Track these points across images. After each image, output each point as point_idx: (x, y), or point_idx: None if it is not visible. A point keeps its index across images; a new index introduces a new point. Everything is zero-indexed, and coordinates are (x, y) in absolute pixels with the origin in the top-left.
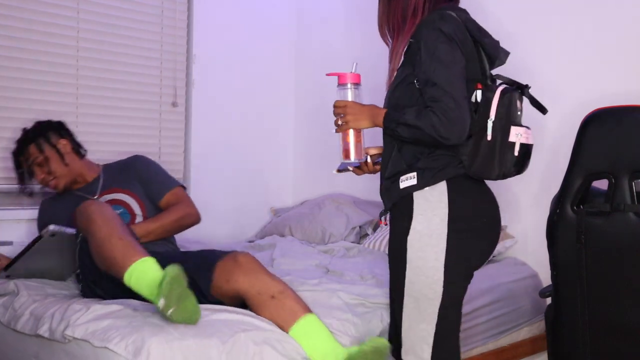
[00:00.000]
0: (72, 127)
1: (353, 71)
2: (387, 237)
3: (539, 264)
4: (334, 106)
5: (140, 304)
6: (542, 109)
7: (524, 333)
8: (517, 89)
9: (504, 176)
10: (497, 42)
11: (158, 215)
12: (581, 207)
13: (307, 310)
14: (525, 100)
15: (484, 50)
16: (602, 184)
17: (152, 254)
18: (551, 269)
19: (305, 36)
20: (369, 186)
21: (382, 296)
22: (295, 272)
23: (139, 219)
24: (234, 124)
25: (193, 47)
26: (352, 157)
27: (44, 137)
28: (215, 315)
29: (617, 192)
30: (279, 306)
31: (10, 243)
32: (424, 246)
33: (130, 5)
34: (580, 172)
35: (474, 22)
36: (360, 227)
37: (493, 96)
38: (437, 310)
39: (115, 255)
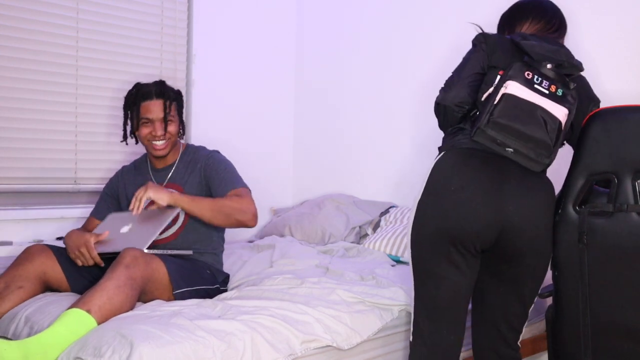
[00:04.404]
0: (71, 127)
1: None
2: (387, 237)
3: None
4: None
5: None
6: (570, 71)
7: (524, 333)
8: (524, 65)
9: (491, 124)
10: (547, 46)
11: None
12: (583, 207)
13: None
14: None
15: (522, 49)
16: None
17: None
18: (552, 269)
19: (306, 36)
20: (369, 186)
21: (381, 297)
22: (295, 272)
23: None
24: (234, 123)
25: (193, 47)
26: None
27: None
28: (209, 314)
29: (620, 192)
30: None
31: (10, 243)
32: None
33: (130, 5)
34: (583, 171)
35: (525, 35)
36: (360, 227)
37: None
38: (414, 282)
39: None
